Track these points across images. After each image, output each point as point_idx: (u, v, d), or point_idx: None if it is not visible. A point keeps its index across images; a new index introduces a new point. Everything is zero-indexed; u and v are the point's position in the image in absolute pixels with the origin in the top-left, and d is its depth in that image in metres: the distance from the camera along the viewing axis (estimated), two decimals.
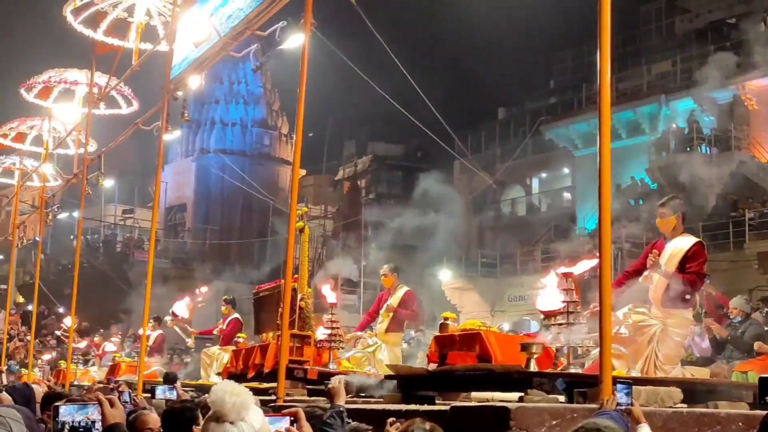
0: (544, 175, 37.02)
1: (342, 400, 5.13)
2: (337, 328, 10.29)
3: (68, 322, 16.94)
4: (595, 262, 7.01)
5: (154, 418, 4.78)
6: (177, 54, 13.11)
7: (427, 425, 3.42)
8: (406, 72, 12.36)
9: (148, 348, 15.04)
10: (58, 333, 18.71)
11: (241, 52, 12.50)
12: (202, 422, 4.92)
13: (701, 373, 8.00)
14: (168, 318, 15.93)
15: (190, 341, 15.97)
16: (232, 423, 3.00)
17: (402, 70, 12.19)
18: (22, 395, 5.00)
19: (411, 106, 14.39)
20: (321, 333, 10.39)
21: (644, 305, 7.53)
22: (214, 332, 15.43)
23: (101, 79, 17.62)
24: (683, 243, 7.55)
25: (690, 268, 7.39)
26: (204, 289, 16.50)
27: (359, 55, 12.84)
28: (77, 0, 15.31)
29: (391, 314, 11.37)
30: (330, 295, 10.45)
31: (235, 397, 3.04)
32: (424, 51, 49.55)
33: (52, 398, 5.94)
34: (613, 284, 7.17)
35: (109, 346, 21.42)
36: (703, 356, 10.97)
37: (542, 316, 7.23)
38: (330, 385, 5.40)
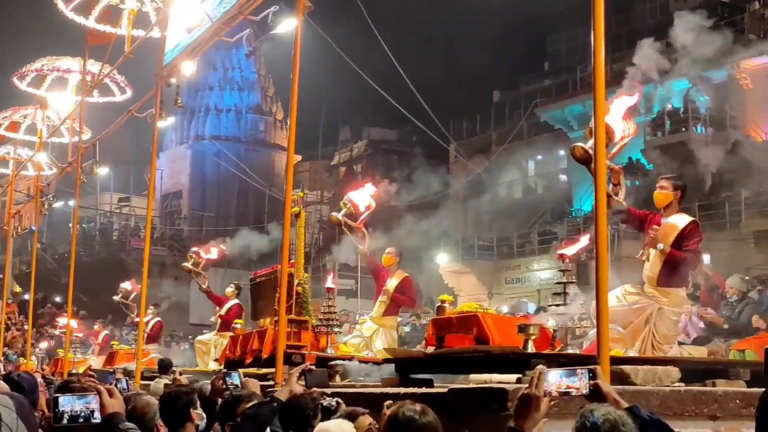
0: (539, 157, 36.93)
1: (284, 394, 4.88)
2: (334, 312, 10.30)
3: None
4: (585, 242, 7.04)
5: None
6: (170, 40, 13.02)
7: (418, 407, 3.35)
8: (394, 59, 12.39)
9: (146, 335, 15.03)
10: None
11: (234, 37, 12.42)
12: (199, 408, 4.91)
13: (698, 352, 8.03)
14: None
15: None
16: None
17: (392, 58, 12.19)
18: (28, 384, 5.02)
19: (405, 91, 14.36)
20: None
21: (637, 286, 7.55)
22: (212, 319, 15.41)
23: (94, 66, 17.52)
24: (678, 221, 7.57)
25: (686, 246, 7.40)
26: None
27: (354, 39, 12.81)
28: None
29: (388, 298, 11.38)
30: (328, 279, 10.48)
31: None
32: (419, 34, 49.42)
33: (66, 386, 5.94)
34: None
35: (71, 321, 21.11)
36: (701, 335, 10.99)
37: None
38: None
